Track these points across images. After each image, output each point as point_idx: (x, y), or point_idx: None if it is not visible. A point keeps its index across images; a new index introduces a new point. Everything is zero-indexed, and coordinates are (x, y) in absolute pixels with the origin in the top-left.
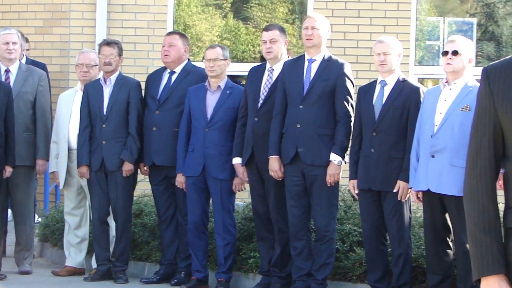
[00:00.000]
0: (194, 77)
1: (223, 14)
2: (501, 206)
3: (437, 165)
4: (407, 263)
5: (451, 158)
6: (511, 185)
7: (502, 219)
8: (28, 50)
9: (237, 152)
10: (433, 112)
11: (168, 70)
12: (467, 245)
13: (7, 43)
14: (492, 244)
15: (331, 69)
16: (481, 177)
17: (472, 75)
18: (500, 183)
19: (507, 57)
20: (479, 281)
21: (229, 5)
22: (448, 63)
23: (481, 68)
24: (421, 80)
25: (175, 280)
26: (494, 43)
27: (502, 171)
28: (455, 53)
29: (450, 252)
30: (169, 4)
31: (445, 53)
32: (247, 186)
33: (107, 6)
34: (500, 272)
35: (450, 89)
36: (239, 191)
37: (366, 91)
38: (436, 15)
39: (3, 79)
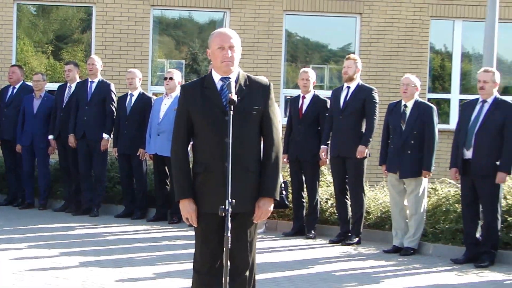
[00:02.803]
0: (27, 91)
1: (47, 56)
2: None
3: (161, 140)
4: (144, 196)
5: (168, 136)
6: (196, 151)
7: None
8: None
9: (51, 132)
10: (159, 110)
11: (12, 86)
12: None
13: None
14: (185, 180)
15: (104, 87)
16: (179, 145)
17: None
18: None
19: (195, 79)
20: (178, 205)
21: (50, 51)
22: (167, 84)
23: None
24: (156, 94)
25: (15, 204)
26: (196, 75)
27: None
28: (170, 78)
29: (168, 187)
30: (13, 49)
31: (165, 78)
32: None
33: None
34: (190, 197)
35: (168, 98)
36: (52, 154)
37: (123, 99)
38: (163, 58)
39: None
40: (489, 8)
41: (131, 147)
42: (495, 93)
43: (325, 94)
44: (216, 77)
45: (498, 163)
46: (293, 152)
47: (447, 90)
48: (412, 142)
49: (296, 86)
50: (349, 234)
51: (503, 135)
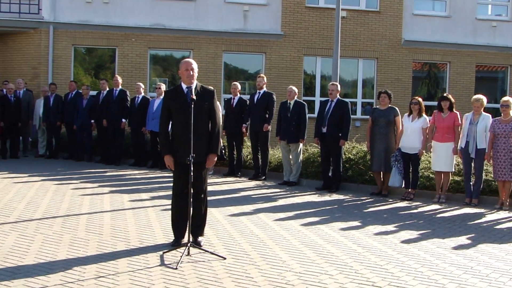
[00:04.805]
0: (79, 95)
1: (91, 76)
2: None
3: (155, 122)
4: (145, 153)
5: (158, 120)
6: (173, 127)
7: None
8: None
9: (93, 118)
10: (153, 106)
11: (70, 93)
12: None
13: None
14: (166, 143)
15: (122, 93)
16: (163, 124)
17: None
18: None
19: (172, 88)
20: (163, 158)
21: (93, 73)
22: (157, 91)
23: None
24: (152, 96)
25: (73, 158)
26: (174, 86)
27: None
28: (159, 88)
29: (158, 148)
30: (71, 72)
31: (156, 88)
32: None
33: None
34: (169, 153)
35: (158, 99)
36: (94, 130)
37: (133, 99)
38: (156, 77)
39: None
40: (334, 50)
41: (138, 126)
42: (338, 96)
43: (247, 97)
44: (184, 86)
45: (340, 134)
46: (228, 129)
47: (314, 95)
48: (294, 123)
49: (230, 93)
50: (260, 174)
51: (343, 119)
